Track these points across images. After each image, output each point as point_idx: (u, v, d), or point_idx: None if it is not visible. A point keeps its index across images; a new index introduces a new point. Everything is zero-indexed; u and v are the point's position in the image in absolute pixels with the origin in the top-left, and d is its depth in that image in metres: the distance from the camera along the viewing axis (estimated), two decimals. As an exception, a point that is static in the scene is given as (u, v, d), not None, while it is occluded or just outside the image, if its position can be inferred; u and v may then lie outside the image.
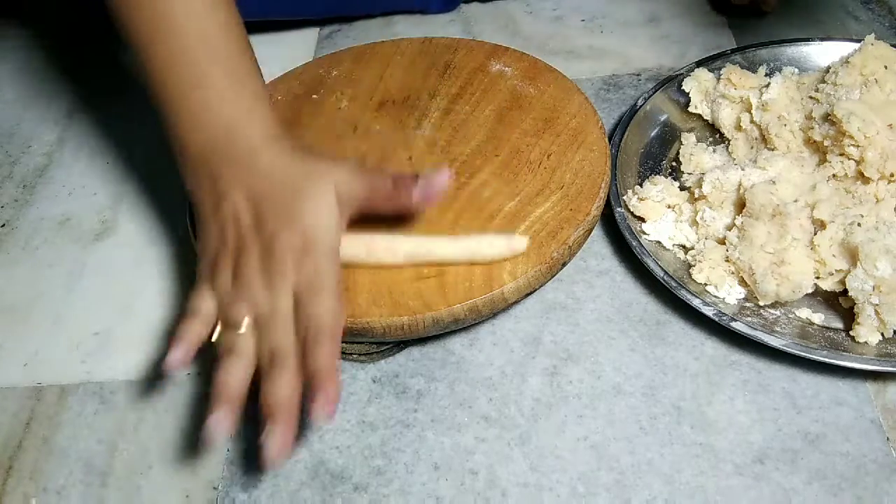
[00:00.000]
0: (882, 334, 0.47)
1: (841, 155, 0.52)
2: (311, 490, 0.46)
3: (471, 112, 0.58)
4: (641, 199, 0.54)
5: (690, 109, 0.62)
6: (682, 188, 0.56)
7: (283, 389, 0.41)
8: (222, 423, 0.40)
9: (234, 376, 0.42)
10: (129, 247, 0.62)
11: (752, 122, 0.58)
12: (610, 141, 0.56)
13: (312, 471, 0.47)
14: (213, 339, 0.44)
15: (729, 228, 0.51)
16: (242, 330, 0.43)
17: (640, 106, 0.60)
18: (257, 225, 0.44)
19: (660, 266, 0.51)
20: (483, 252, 0.47)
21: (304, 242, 0.43)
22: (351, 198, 0.45)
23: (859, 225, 0.48)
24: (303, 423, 0.49)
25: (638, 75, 0.69)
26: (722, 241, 0.51)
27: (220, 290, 0.44)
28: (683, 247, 0.54)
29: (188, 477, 0.48)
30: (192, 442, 0.49)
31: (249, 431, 0.49)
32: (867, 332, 0.47)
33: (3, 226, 0.65)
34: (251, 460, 0.48)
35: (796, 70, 0.60)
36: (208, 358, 0.47)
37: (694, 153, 0.58)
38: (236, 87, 0.47)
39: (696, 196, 0.54)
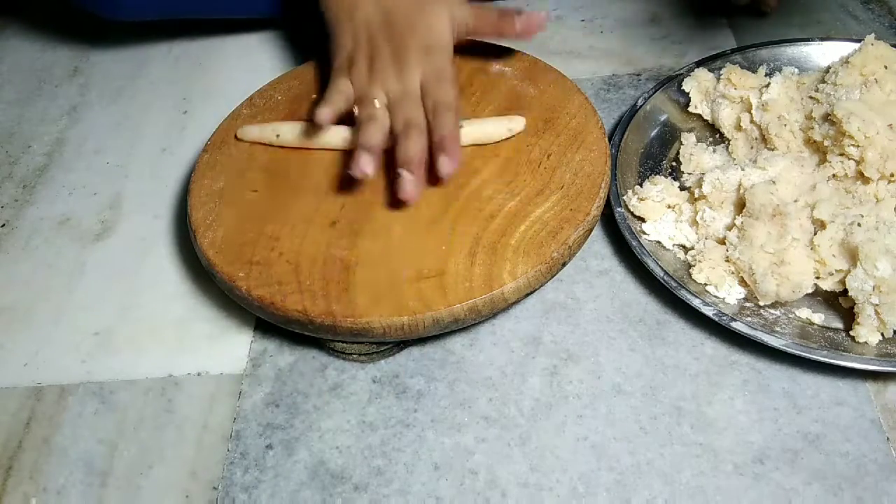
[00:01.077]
0: (882, 334, 0.47)
1: (841, 155, 0.52)
2: (311, 490, 0.46)
3: (471, 112, 0.58)
4: (641, 199, 0.54)
5: (690, 109, 0.62)
6: (682, 188, 0.56)
7: (415, 146, 0.51)
8: (370, 164, 0.50)
9: (375, 137, 0.51)
10: (129, 247, 0.62)
11: (752, 122, 0.58)
12: (610, 141, 0.56)
13: (312, 471, 0.47)
14: (355, 112, 0.53)
15: (729, 228, 0.51)
16: (378, 105, 0.53)
17: (640, 106, 0.60)
18: (387, 30, 0.54)
19: (660, 266, 0.51)
20: (487, 132, 0.55)
21: (428, 45, 0.54)
22: (461, 23, 0.55)
23: (859, 225, 0.48)
24: (305, 423, 0.49)
25: (638, 75, 0.69)
26: (722, 241, 0.51)
27: (358, 78, 0.54)
28: (683, 247, 0.54)
29: (188, 477, 0.48)
30: (193, 442, 0.49)
31: (249, 433, 0.49)
32: (867, 332, 0.47)
33: (3, 226, 0.65)
34: (251, 460, 0.48)
35: (796, 70, 0.60)
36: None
37: (694, 153, 0.58)
38: None
39: (696, 196, 0.54)
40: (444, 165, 0.50)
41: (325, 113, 0.52)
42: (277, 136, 0.57)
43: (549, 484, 0.45)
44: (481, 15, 0.55)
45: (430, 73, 0.53)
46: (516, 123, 0.55)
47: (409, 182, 0.50)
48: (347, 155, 0.55)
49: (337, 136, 0.55)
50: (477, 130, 0.55)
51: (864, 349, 0.47)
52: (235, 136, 0.58)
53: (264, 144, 0.57)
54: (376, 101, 0.53)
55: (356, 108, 0.53)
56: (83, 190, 0.67)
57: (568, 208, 0.50)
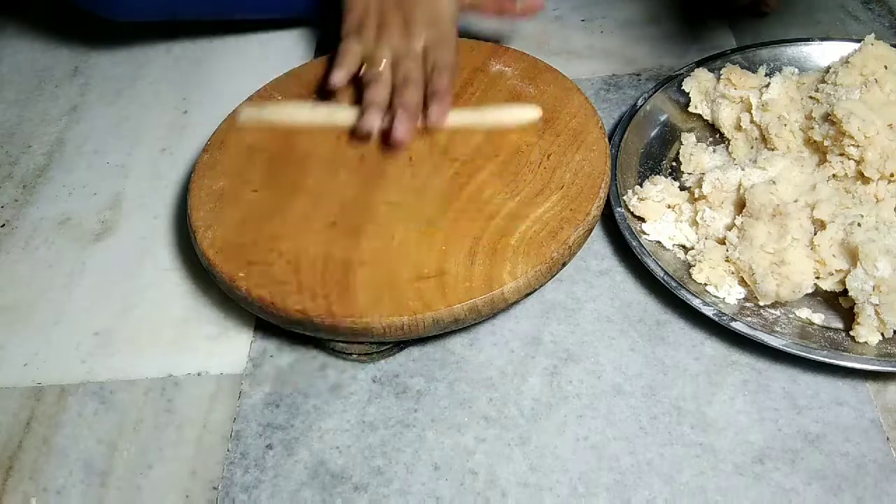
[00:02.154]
0: (882, 334, 0.47)
1: (841, 155, 0.52)
2: (311, 490, 0.46)
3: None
4: (641, 199, 0.54)
5: (690, 109, 0.62)
6: (682, 188, 0.56)
7: (410, 96, 0.55)
8: (375, 119, 0.55)
9: (380, 94, 0.56)
10: (129, 247, 0.62)
11: (752, 122, 0.58)
12: (610, 141, 0.56)
13: (312, 471, 0.47)
14: (362, 72, 0.57)
15: (729, 228, 0.51)
16: (383, 66, 0.57)
17: (640, 106, 0.60)
18: (397, 1, 0.58)
19: (660, 266, 0.51)
20: (502, 119, 0.57)
21: (433, 14, 0.58)
22: None
23: (859, 225, 0.48)
24: (305, 423, 0.49)
25: (638, 75, 0.69)
26: (722, 241, 0.51)
27: (367, 40, 0.58)
28: (683, 247, 0.54)
29: (188, 477, 0.48)
30: (193, 442, 0.49)
31: (249, 433, 0.49)
32: (867, 332, 0.47)
33: (3, 226, 0.65)
34: (251, 460, 0.48)
35: (796, 70, 0.60)
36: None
37: (694, 153, 0.58)
38: None
39: (696, 196, 0.54)
40: (434, 113, 0.55)
41: (338, 75, 0.56)
42: (281, 115, 0.59)
43: (549, 484, 0.45)
44: None
45: (433, 38, 0.58)
46: (530, 112, 0.57)
47: (403, 121, 0.54)
48: (348, 152, 0.55)
49: (342, 114, 0.58)
50: (491, 117, 0.57)
51: (864, 349, 0.47)
52: (236, 123, 0.59)
53: (267, 135, 0.57)
54: (384, 60, 0.57)
55: (364, 67, 0.57)
56: (83, 190, 0.67)
57: (568, 208, 0.50)
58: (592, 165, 0.53)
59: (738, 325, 0.47)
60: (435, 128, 0.55)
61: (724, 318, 0.48)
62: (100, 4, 0.71)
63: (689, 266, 0.51)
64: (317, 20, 0.80)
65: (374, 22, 0.59)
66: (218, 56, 0.78)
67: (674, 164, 0.59)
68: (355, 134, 0.56)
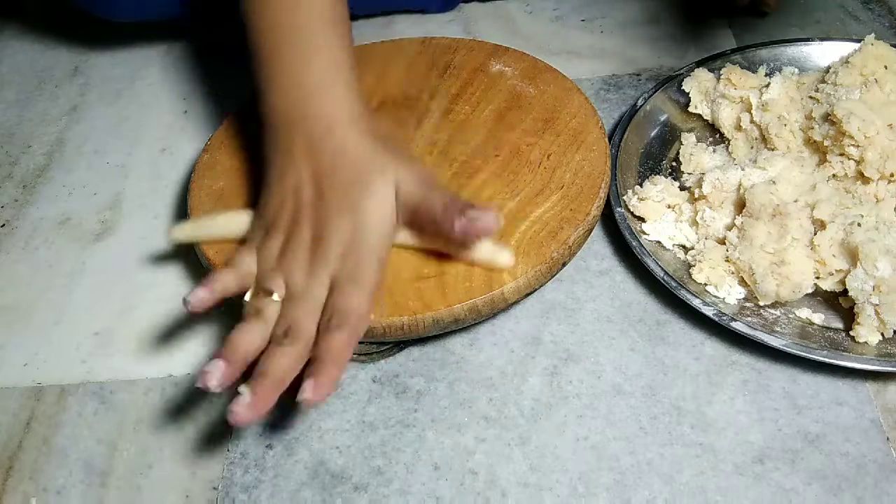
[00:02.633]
0: (882, 334, 0.47)
1: (841, 155, 0.52)
2: (311, 490, 0.46)
3: (471, 112, 0.58)
4: (641, 199, 0.54)
5: (690, 109, 0.62)
6: (682, 188, 0.56)
7: (284, 361, 0.41)
8: (217, 374, 0.40)
9: (249, 339, 0.42)
10: (129, 247, 0.62)
11: (752, 122, 0.58)
12: (610, 141, 0.56)
13: (312, 471, 0.47)
14: (245, 299, 0.46)
15: (729, 228, 0.51)
16: (275, 298, 0.44)
17: (640, 106, 0.60)
18: (316, 203, 0.45)
19: (660, 266, 0.51)
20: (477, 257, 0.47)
21: (353, 235, 0.44)
22: (408, 201, 0.46)
23: (859, 225, 0.48)
24: (305, 423, 0.49)
25: (638, 75, 0.69)
26: (722, 241, 0.51)
27: (265, 257, 0.46)
28: (683, 247, 0.54)
29: (188, 477, 0.48)
30: (193, 442, 0.49)
31: (249, 433, 0.49)
32: (867, 332, 0.47)
33: (3, 226, 0.65)
34: (251, 460, 0.48)
35: (796, 70, 0.60)
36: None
37: (694, 153, 0.58)
38: (329, 63, 0.48)
39: (696, 196, 0.54)
40: (306, 392, 0.39)
41: (198, 295, 0.44)
42: (212, 231, 0.51)
43: (549, 484, 0.45)
44: (427, 201, 0.45)
45: (344, 273, 0.44)
46: (503, 258, 0.47)
47: (244, 404, 0.39)
48: None
49: None
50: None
51: (864, 349, 0.47)
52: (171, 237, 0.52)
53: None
54: (273, 294, 0.44)
55: (249, 293, 0.46)
56: (83, 190, 0.67)
57: (568, 208, 0.50)
58: (592, 165, 0.53)
59: (738, 325, 0.47)
60: (306, 406, 0.40)
61: (724, 318, 0.48)
62: (98, 5, 0.71)
63: (689, 266, 0.51)
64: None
65: (282, 232, 0.46)
66: (218, 56, 0.78)
67: (674, 164, 0.59)
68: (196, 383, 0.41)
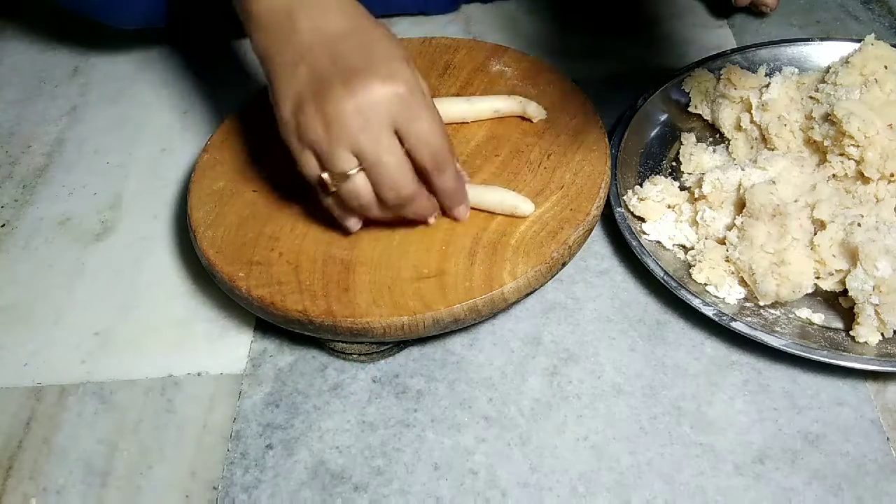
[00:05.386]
0: (882, 334, 0.47)
1: (841, 155, 0.52)
2: (311, 490, 0.46)
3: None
4: (641, 199, 0.54)
5: (690, 109, 0.62)
6: (682, 188, 0.56)
7: (421, 214, 0.48)
8: (357, 225, 0.48)
9: (359, 209, 0.46)
10: (129, 247, 0.62)
11: (752, 122, 0.58)
12: (610, 141, 0.56)
13: (312, 471, 0.47)
14: (330, 183, 0.45)
15: (729, 228, 0.51)
16: (353, 172, 0.44)
17: (640, 106, 0.60)
18: (337, 65, 0.44)
19: (660, 266, 0.51)
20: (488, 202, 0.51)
21: (386, 78, 0.43)
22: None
23: (859, 225, 0.48)
24: (305, 423, 0.49)
25: (638, 75, 0.69)
26: (722, 241, 0.51)
27: (315, 140, 0.44)
28: (683, 247, 0.54)
29: (188, 477, 0.48)
30: (193, 442, 0.49)
31: (249, 433, 0.49)
32: (867, 332, 0.47)
33: (3, 226, 0.65)
34: (251, 460, 0.48)
35: (796, 70, 0.60)
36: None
37: (694, 153, 0.58)
38: None
39: (696, 196, 0.54)
40: (459, 216, 0.50)
41: (351, 223, 0.49)
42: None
43: (549, 484, 0.45)
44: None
45: (401, 116, 0.44)
46: (526, 207, 0.50)
47: (462, 209, 0.50)
48: None
49: None
50: (489, 197, 0.51)
51: (864, 349, 0.47)
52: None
53: (266, 137, 0.56)
54: (347, 172, 0.44)
55: (327, 175, 0.45)
56: (83, 190, 0.67)
57: (568, 208, 0.50)
58: (592, 165, 0.53)
59: (738, 325, 0.47)
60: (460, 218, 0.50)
61: (724, 318, 0.48)
62: (98, 11, 0.71)
63: (689, 266, 0.51)
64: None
65: (314, 108, 0.43)
66: (218, 56, 0.78)
67: (674, 164, 0.59)
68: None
